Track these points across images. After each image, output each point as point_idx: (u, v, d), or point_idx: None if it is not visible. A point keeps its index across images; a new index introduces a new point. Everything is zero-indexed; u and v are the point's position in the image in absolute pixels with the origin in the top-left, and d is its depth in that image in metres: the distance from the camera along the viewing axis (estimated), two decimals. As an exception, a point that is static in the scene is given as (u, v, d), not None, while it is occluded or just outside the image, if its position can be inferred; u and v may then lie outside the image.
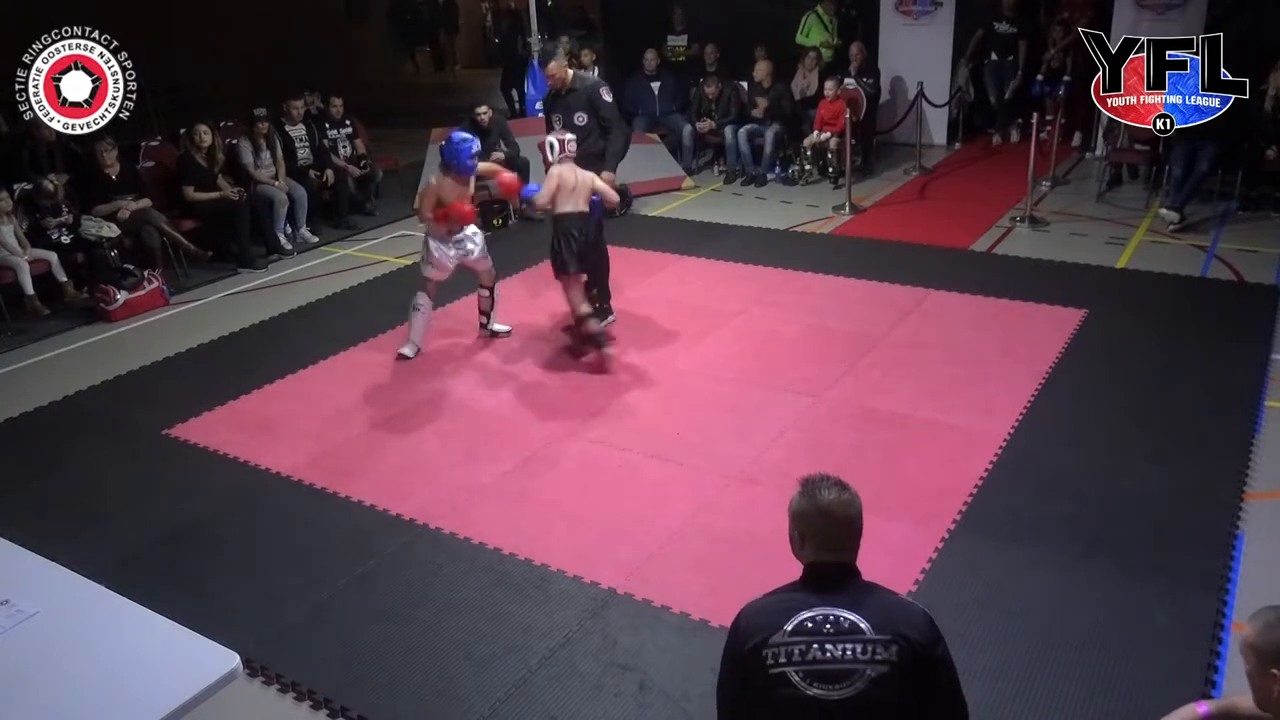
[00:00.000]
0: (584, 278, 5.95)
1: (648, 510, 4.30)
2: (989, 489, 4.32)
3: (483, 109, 8.81)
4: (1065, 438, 4.72)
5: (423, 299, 5.98)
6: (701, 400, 5.32)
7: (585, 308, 5.80)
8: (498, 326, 6.34)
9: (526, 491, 4.52)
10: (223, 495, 4.63)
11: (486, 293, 6.24)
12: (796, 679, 1.89)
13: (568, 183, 5.65)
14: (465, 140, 5.70)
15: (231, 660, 2.53)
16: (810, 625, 1.91)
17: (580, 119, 6.21)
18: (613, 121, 6.35)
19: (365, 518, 4.38)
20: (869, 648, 1.88)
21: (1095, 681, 3.21)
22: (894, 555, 3.81)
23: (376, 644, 3.57)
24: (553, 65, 6.25)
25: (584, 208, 5.71)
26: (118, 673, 2.52)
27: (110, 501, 4.61)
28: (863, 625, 1.90)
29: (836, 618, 1.91)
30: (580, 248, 5.72)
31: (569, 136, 5.86)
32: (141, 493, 4.68)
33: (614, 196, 6.11)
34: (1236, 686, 3.12)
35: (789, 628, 1.91)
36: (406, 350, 5.99)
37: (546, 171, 5.80)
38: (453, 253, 5.88)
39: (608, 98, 6.29)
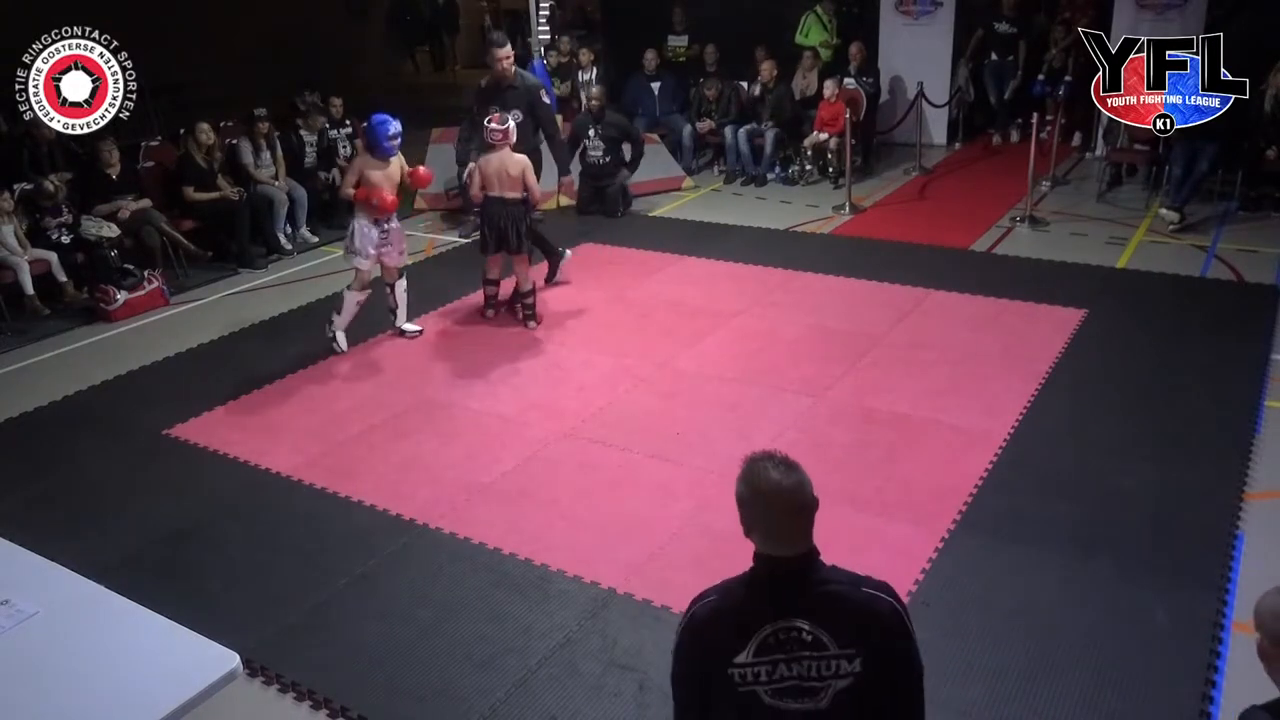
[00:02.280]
0: (500, 257, 6.33)
1: (648, 510, 4.30)
2: (989, 489, 4.32)
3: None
4: (1065, 438, 4.72)
5: (350, 296, 6.10)
6: (701, 400, 5.32)
7: (495, 274, 6.48)
8: (407, 326, 6.35)
9: (526, 491, 4.52)
10: (223, 495, 4.63)
11: (389, 289, 6.27)
12: (765, 696, 1.86)
13: (485, 171, 6.08)
14: (382, 121, 5.78)
15: (231, 660, 2.53)
16: (772, 642, 1.84)
17: (517, 116, 6.36)
18: (551, 123, 6.69)
19: (365, 518, 4.38)
20: (833, 663, 1.83)
21: (1095, 681, 3.21)
22: (894, 555, 3.81)
23: (376, 644, 3.57)
24: (506, 50, 6.40)
25: (508, 194, 6.06)
26: (118, 673, 2.52)
27: (110, 501, 4.61)
28: (825, 639, 1.83)
29: (798, 633, 1.83)
30: (497, 231, 6.13)
31: (500, 125, 6.03)
32: (141, 493, 4.68)
33: (538, 194, 6.33)
34: (1236, 686, 3.13)
35: (752, 648, 1.85)
36: (339, 342, 6.12)
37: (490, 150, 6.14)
38: (375, 240, 5.95)
39: (547, 100, 6.56)
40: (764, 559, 1.90)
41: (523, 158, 6.15)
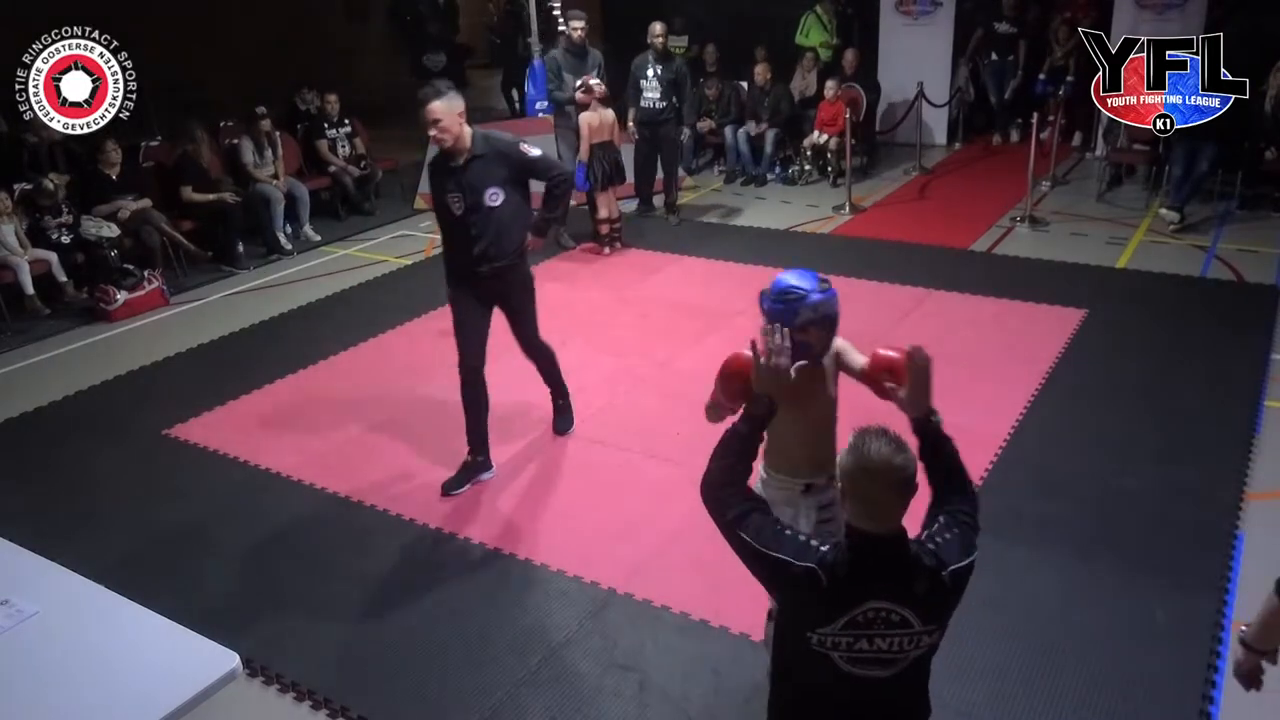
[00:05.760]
0: (611, 190, 7.73)
1: (648, 510, 4.30)
2: (989, 489, 4.31)
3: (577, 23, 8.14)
4: (1065, 438, 4.72)
5: None
6: (701, 400, 5.26)
7: (604, 214, 7.72)
8: None
9: (526, 491, 4.52)
10: (223, 495, 4.63)
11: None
12: (839, 660, 1.90)
13: (593, 124, 7.47)
14: (794, 292, 2.63)
15: (231, 660, 2.53)
16: (861, 620, 1.87)
17: (495, 198, 4.23)
18: (548, 168, 5.44)
19: (365, 518, 4.37)
20: (915, 639, 1.89)
21: (1095, 681, 3.21)
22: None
23: (376, 644, 3.57)
24: (445, 104, 4.16)
25: (608, 138, 7.57)
26: (118, 673, 2.52)
27: (110, 501, 4.61)
28: (911, 619, 1.87)
29: (887, 614, 1.87)
30: (605, 170, 7.57)
31: (594, 81, 7.44)
32: (141, 493, 4.68)
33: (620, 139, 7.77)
34: (1236, 686, 3.12)
35: (840, 623, 1.88)
36: None
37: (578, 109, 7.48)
38: (816, 519, 2.83)
39: (534, 151, 4.37)
40: (858, 534, 1.91)
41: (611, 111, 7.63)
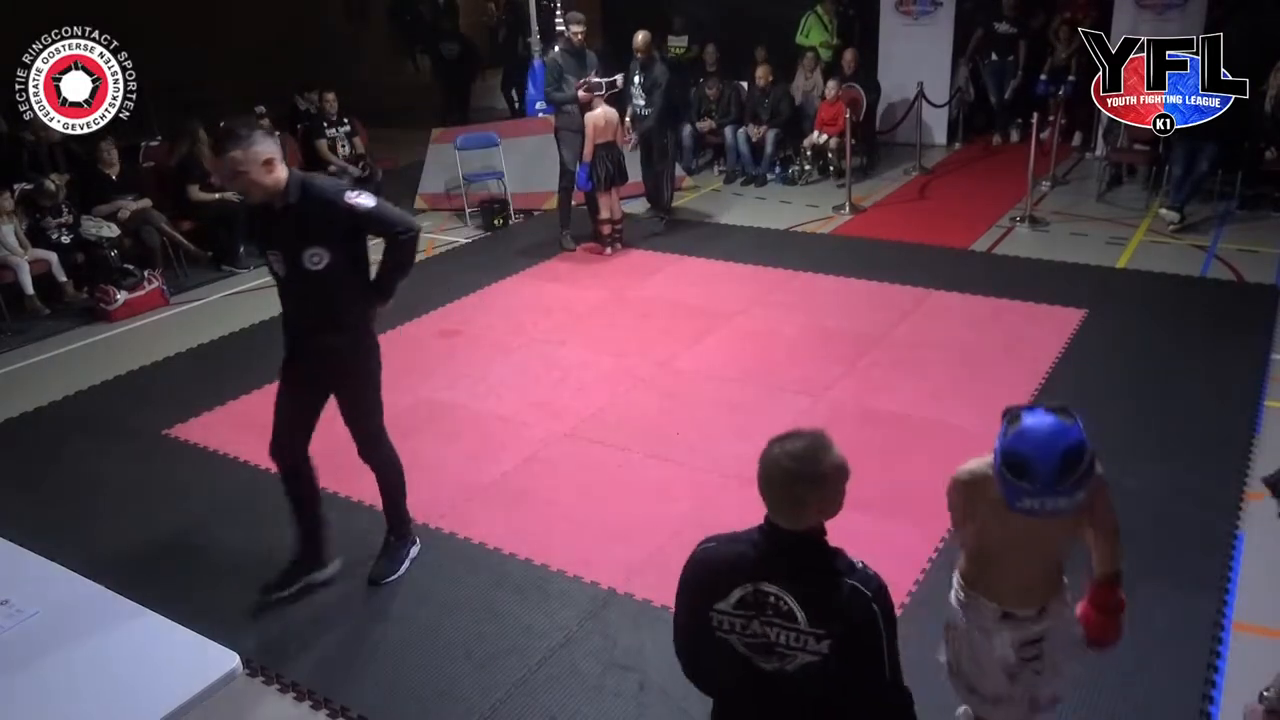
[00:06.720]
0: (614, 191, 7.75)
1: (648, 510, 4.30)
2: (989, 489, 4.31)
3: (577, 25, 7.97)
4: (1065, 438, 4.72)
5: None
6: (702, 400, 5.32)
7: (605, 214, 7.73)
8: None
9: (526, 491, 4.52)
10: (223, 495, 4.62)
11: None
12: (738, 646, 1.96)
13: (599, 124, 7.45)
14: (1024, 466, 2.35)
15: (231, 660, 2.54)
16: (750, 599, 1.92)
17: (316, 260, 3.42)
18: (392, 224, 3.68)
19: (365, 518, 4.37)
20: (801, 638, 1.89)
21: (1095, 682, 3.20)
22: (894, 555, 3.80)
23: (376, 644, 3.57)
24: (255, 149, 3.28)
25: (612, 138, 7.59)
26: (118, 673, 2.52)
27: (110, 501, 4.61)
28: (798, 614, 1.88)
29: (776, 600, 1.90)
30: (608, 171, 7.58)
31: (598, 80, 7.43)
32: (141, 493, 4.68)
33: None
34: (1236, 686, 3.13)
35: (732, 600, 1.94)
36: None
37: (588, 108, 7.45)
38: (1013, 661, 2.48)
39: (367, 202, 3.50)
40: (768, 521, 1.97)
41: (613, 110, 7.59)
